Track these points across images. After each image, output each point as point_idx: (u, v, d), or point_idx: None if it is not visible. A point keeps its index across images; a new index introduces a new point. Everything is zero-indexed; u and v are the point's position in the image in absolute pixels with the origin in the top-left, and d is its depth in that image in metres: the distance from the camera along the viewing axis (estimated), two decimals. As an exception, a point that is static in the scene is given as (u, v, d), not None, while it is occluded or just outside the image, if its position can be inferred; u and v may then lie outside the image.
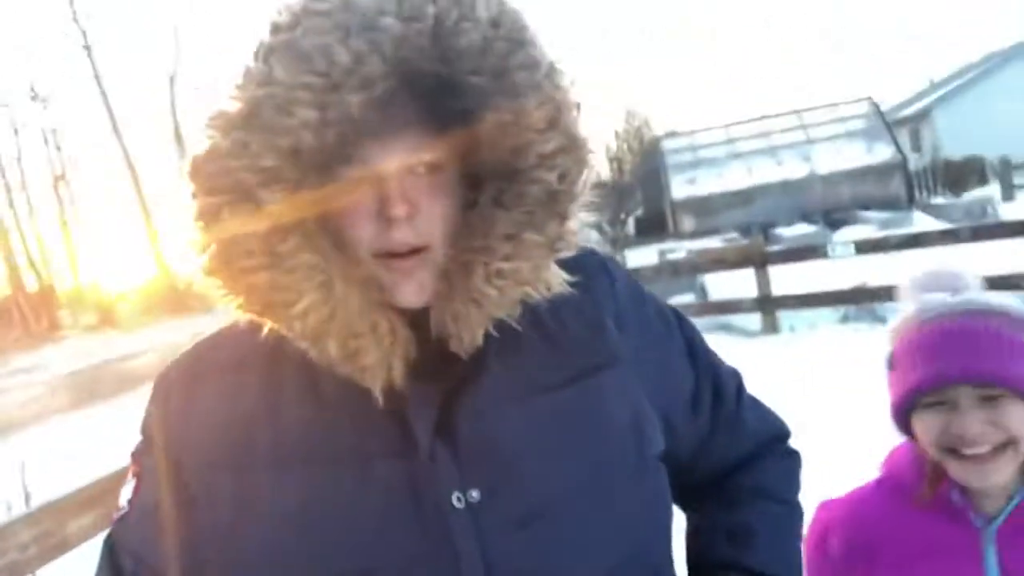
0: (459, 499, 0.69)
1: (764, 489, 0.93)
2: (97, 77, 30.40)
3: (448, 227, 0.71)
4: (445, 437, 0.70)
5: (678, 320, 0.92)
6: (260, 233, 0.63)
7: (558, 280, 0.75)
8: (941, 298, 1.05)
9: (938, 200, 16.88)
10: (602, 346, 0.80)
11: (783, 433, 0.99)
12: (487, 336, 0.72)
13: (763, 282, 7.19)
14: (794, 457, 0.99)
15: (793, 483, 0.97)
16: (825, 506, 1.21)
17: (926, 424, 1.03)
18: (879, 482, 1.18)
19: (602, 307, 0.81)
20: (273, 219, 0.63)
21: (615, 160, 43.60)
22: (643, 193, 27.30)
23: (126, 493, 0.78)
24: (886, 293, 5.76)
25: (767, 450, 0.97)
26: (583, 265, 0.81)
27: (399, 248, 0.68)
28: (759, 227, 17.35)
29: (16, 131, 32.18)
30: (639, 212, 27.19)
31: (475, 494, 0.69)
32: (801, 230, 15.13)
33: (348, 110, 0.61)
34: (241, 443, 0.71)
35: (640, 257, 15.61)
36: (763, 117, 22.52)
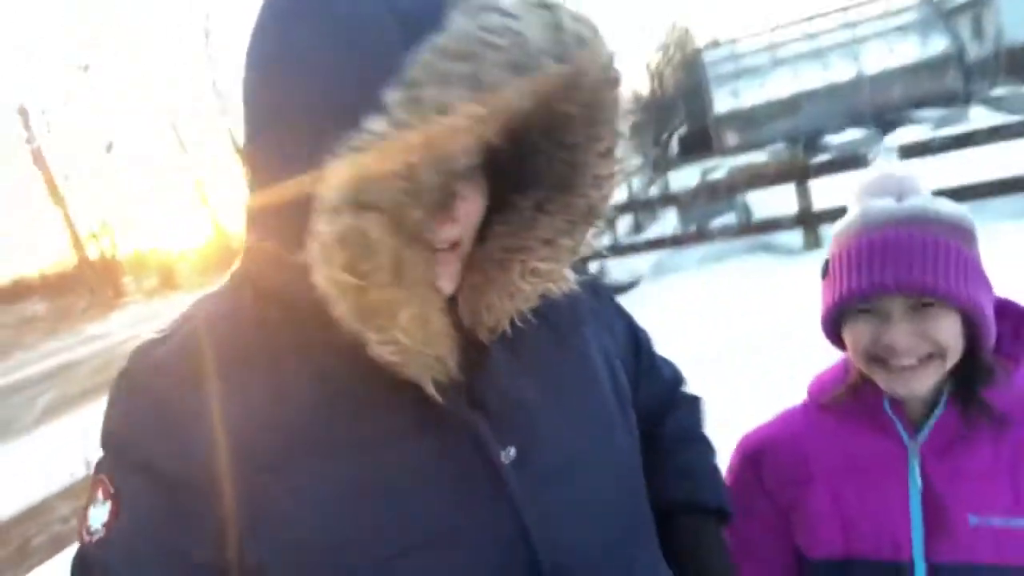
0: (506, 456, 0.74)
1: (689, 432, 1.04)
2: (134, 41, 30.61)
3: (477, 220, 0.75)
4: (476, 406, 0.74)
5: (601, 284, 1.01)
6: (394, 249, 0.63)
7: (571, 275, 0.81)
8: (884, 204, 1.02)
9: (999, 91, 15.89)
10: (575, 312, 0.88)
11: (683, 379, 1.11)
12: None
13: (803, 197, 6.93)
14: (699, 400, 1.10)
15: (703, 422, 1.08)
16: (748, 436, 1.22)
17: (857, 333, 1.02)
18: (805, 404, 1.19)
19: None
20: (408, 239, 0.64)
21: (657, 76, 42.20)
22: (686, 109, 26.54)
23: (99, 515, 0.71)
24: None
25: (679, 397, 1.09)
26: None
27: (442, 244, 0.72)
28: (806, 136, 16.73)
29: (65, 102, 32.92)
30: (682, 130, 26.50)
31: (512, 451, 0.74)
32: (851, 136, 14.51)
33: (492, 136, 0.64)
34: (267, 442, 0.69)
35: (683, 178, 15.26)
36: (809, 18, 21.44)
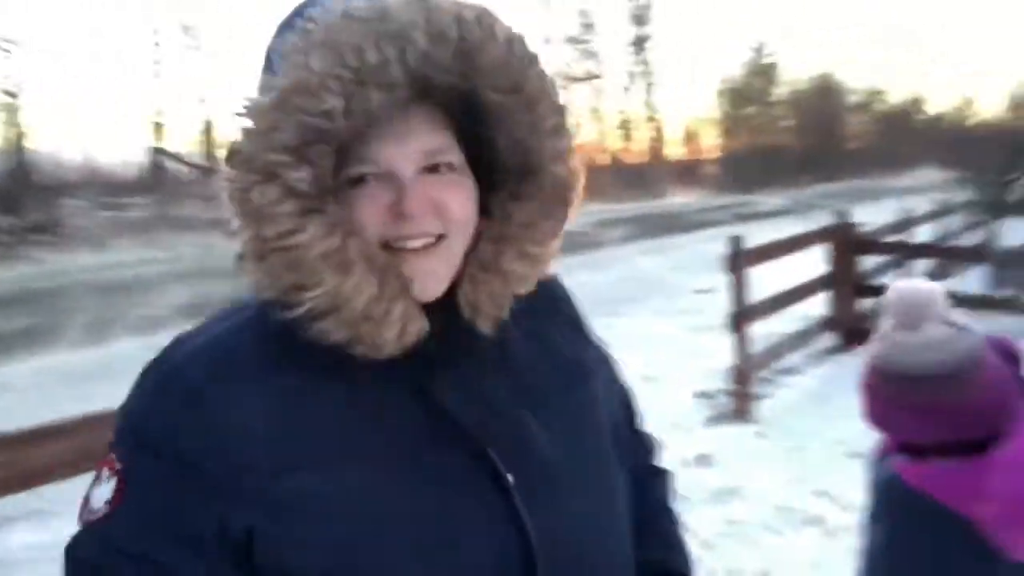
0: (511, 479, 0.76)
1: (665, 503, 1.08)
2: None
3: (465, 220, 0.78)
4: (483, 427, 0.77)
5: (605, 346, 1.04)
6: (286, 213, 0.68)
7: (554, 262, 0.85)
8: None
9: None
10: (585, 358, 0.94)
11: (659, 448, 1.13)
12: (494, 344, 0.81)
13: None
14: (670, 472, 1.12)
15: (674, 493, 1.11)
16: None
17: None
18: None
19: (574, 322, 0.97)
20: (298, 202, 0.69)
21: (1019, 105, 36.26)
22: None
23: (102, 494, 0.74)
24: None
25: (657, 467, 1.11)
26: (550, 282, 0.92)
27: (411, 243, 0.74)
28: None
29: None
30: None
31: (510, 478, 0.77)
32: None
33: (369, 105, 0.69)
34: (287, 444, 0.72)
35: (1019, 233, 12.66)
36: None
